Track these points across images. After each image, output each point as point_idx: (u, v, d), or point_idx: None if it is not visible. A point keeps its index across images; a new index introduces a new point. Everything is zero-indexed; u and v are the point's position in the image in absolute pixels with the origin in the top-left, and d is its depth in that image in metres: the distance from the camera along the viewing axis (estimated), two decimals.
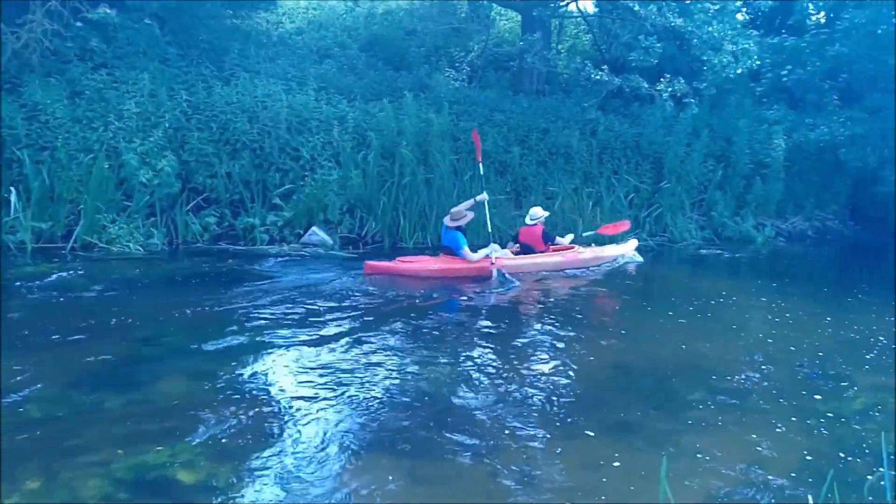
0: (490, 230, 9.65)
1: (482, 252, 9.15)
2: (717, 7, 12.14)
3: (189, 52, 11.43)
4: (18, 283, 7.34)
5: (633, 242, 11.25)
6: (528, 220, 9.91)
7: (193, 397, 4.68)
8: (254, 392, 4.83)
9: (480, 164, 10.07)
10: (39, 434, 4.03)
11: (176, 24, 11.68)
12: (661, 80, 12.29)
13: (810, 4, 17.75)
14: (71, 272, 7.97)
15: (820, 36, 15.97)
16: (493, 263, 8.93)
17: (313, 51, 13.60)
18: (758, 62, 13.59)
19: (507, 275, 8.89)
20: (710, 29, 11.77)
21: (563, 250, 9.98)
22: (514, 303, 8.25)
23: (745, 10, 17.55)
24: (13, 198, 8.93)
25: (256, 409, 4.52)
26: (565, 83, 14.44)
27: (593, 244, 10.54)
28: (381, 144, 11.13)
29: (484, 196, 9.48)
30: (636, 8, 11.49)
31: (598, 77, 12.26)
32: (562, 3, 14.04)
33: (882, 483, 1.96)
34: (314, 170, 10.69)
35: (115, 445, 3.90)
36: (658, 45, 12.06)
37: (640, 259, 10.88)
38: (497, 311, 7.87)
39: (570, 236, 10.33)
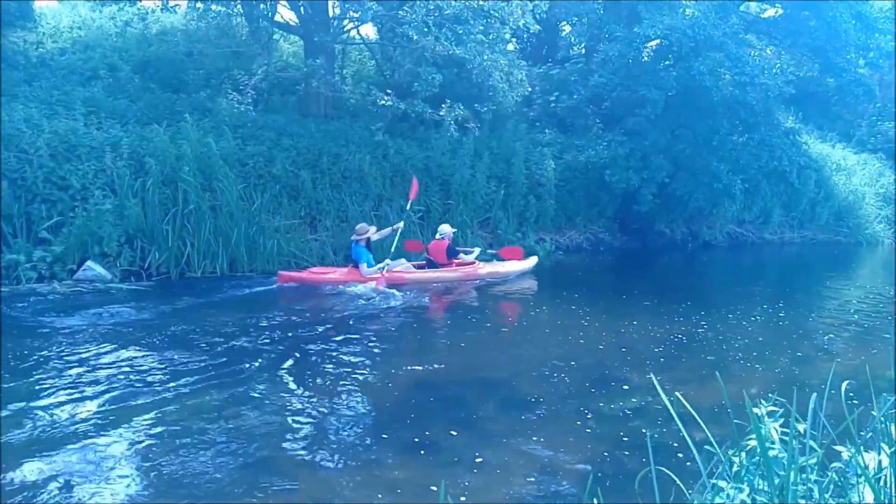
0: (393, 252, 10.92)
1: (378, 266, 10.41)
2: (490, 38, 12.92)
3: None
4: None
5: (533, 260, 12.54)
6: (437, 236, 11.46)
7: None
8: (29, 451, 4.35)
9: (410, 203, 11.75)
10: None
11: None
12: (443, 105, 12.84)
13: (572, 37, 19.57)
14: None
15: (577, 65, 17.63)
16: (382, 277, 10.15)
17: (78, 72, 12.61)
18: (529, 89, 14.68)
19: (384, 288, 9.92)
20: (485, 58, 12.48)
21: (464, 265, 11.24)
22: (369, 319, 8.43)
23: (514, 40, 18.93)
24: None
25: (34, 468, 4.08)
26: (353, 108, 14.60)
27: (494, 261, 11.87)
28: (161, 171, 10.55)
29: (399, 225, 11.15)
30: (415, 37, 11.90)
31: (383, 102, 12.52)
32: (343, 30, 14.21)
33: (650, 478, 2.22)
34: (86, 199, 9.90)
35: None
36: (437, 74, 12.59)
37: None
38: (335, 330, 7.85)
39: (476, 251, 11.80)
